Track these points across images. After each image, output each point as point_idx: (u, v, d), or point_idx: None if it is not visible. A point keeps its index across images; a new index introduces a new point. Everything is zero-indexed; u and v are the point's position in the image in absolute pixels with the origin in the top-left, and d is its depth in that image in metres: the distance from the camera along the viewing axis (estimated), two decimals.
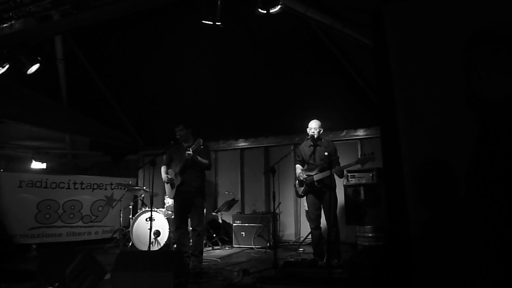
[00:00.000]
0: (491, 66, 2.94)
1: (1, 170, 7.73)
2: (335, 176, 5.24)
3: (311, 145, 5.39)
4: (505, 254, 2.67)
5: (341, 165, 5.31)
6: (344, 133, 7.86)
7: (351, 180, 6.77)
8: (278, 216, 7.70)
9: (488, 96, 2.93)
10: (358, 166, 6.98)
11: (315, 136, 5.29)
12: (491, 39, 2.96)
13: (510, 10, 2.89)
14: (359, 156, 5.94)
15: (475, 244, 2.80)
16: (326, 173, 5.11)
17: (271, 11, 4.58)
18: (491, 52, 2.96)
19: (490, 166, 2.81)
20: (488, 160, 2.83)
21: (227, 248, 7.37)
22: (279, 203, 7.54)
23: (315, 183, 5.19)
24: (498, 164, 2.77)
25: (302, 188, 5.38)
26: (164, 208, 7.02)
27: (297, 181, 5.51)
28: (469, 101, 2.98)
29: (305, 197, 5.50)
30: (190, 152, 4.91)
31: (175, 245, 6.08)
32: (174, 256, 4.02)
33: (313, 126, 5.31)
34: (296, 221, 8.13)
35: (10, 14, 4.79)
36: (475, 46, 2.99)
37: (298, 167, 5.51)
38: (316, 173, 5.20)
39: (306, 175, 5.31)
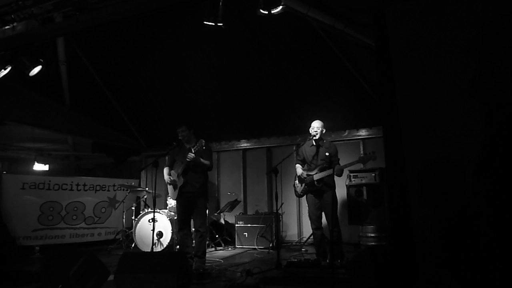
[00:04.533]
0: (505, 62, 2.91)
1: (4, 172, 7.75)
2: (335, 176, 5.25)
3: (313, 145, 5.39)
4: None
5: (343, 164, 5.32)
6: (346, 133, 7.86)
7: (354, 180, 6.76)
8: (280, 216, 7.69)
9: (501, 92, 2.91)
10: (361, 166, 6.99)
11: (318, 136, 5.29)
12: (507, 34, 2.93)
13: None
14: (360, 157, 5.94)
15: (481, 244, 2.79)
16: (326, 172, 5.13)
17: (272, 11, 4.58)
18: (505, 47, 2.94)
19: (502, 163, 2.78)
20: (500, 157, 2.80)
21: (230, 248, 7.37)
22: (282, 204, 7.53)
23: (315, 183, 5.20)
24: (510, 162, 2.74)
25: (301, 188, 5.38)
26: (166, 209, 7.02)
27: (296, 180, 5.51)
28: (480, 96, 2.96)
29: (305, 197, 5.50)
30: (193, 155, 4.92)
31: (178, 246, 6.09)
32: (177, 257, 4.03)
33: (316, 126, 5.31)
34: (299, 222, 8.12)
35: (12, 16, 4.80)
36: (490, 41, 2.97)
37: (299, 167, 5.50)
38: (316, 173, 5.21)
39: (307, 174, 5.32)
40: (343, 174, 5.41)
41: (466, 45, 3.03)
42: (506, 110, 2.87)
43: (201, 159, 5.06)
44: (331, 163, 5.15)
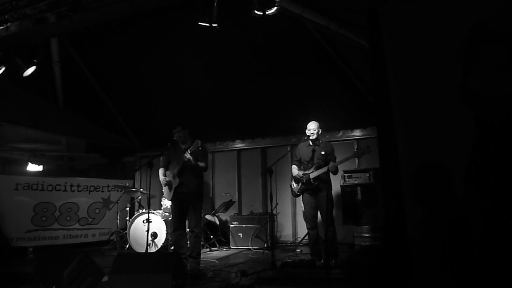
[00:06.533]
0: (490, 65, 2.94)
1: None
2: (331, 175, 5.28)
3: (309, 145, 5.42)
4: (502, 254, 2.68)
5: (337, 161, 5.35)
6: (340, 134, 7.89)
7: (348, 181, 6.78)
8: (275, 217, 7.70)
9: (486, 95, 2.94)
10: (355, 167, 7.02)
11: (314, 137, 5.34)
12: (489, 37, 2.96)
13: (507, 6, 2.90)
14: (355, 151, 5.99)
15: (473, 244, 2.81)
16: (322, 170, 5.18)
17: (267, 12, 4.59)
18: (489, 51, 2.96)
19: (490, 166, 2.81)
20: (488, 160, 2.83)
21: (224, 249, 7.37)
22: (276, 204, 7.54)
23: (311, 181, 5.23)
24: (498, 164, 2.77)
25: (298, 187, 5.41)
26: (161, 210, 7.01)
27: (292, 181, 5.54)
28: (466, 99, 2.98)
29: (301, 197, 5.52)
30: (189, 157, 4.91)
31: (172, 247, 6.08)
32: (171, 258, 4.01)
33: (312, 127, 5.36)
34: (294, 222, 8.13)
35: (6, 16, 4.77)
36: (473, 44, 2.99)
37: (295, 167, 5.53)
38: (312, 171, 5.24)
39: (303, 173, 5.34)
40: (338, 174, 5.45)
41: (457, 47, 3.06)
42: (492, 113, 2.89)
43: (197, 162, 5.06)
44: (327, 162, 5.19)
